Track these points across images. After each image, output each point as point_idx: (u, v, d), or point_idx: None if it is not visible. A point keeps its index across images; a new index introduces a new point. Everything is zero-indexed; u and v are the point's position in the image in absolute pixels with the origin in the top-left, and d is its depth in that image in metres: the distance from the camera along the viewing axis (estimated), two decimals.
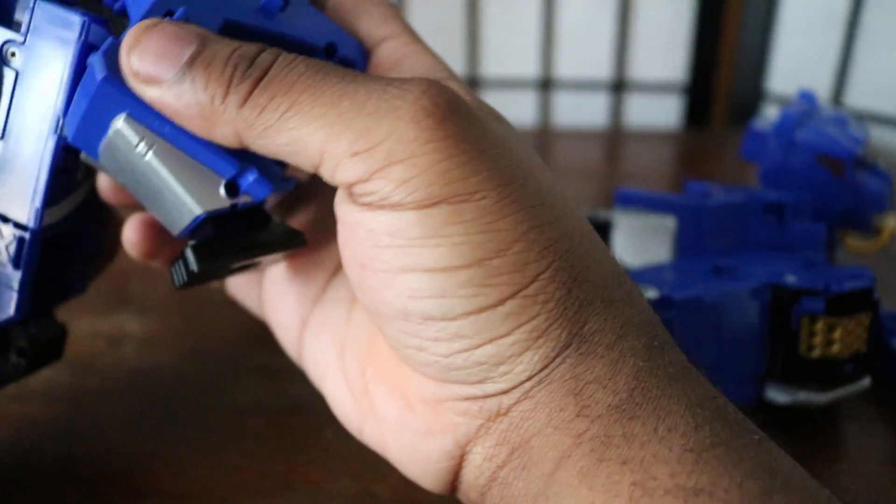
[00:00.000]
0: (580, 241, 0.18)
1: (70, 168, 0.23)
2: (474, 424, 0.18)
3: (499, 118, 0.20)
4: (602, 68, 0.82)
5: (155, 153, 0.19)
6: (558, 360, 0.17)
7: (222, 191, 0.20)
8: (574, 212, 0.19)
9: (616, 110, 0.84)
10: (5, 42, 0.20)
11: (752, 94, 0.80)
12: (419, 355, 0.18)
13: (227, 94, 0.17)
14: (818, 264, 0.30)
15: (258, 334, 0.37)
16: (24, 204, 0.21)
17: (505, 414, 0.18)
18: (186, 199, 0.19)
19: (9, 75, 0.21)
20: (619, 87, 0.83)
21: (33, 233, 0.21)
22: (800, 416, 0.30)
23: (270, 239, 0.21)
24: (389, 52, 0.21)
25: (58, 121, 0.20)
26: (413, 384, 0.20)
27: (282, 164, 0.22)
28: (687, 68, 0.81)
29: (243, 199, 0.20)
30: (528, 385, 0.18)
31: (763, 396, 0.29)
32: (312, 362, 0.24)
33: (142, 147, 0.19)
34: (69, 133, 0.20)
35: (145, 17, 0.18)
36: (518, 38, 0.82)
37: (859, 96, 0.71)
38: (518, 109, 0.83)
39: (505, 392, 0.18)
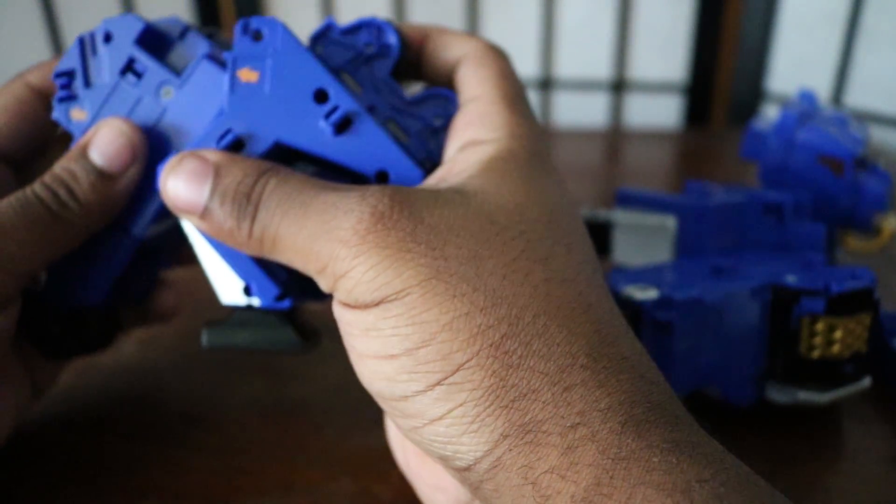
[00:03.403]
0: (533, 321, 0.18)
1: None
2: (465, 489, 0.20)
3: (487, 191, 0.20)
4: (602, 68, 0.82)
5: (197, 244, 0.24)
6: (502, 447, 0.17)
7: (241, 290, 0.24)
8: (540, 287, 0.19)
9: (616, 110, 0.84)
10: (163, 81, 0.25)
11: (752, 94, 0.80)
12: (397, 423, 0.20)
13: (238, 229, 0.21)
14: (818, 264, 0.30)
15: None
16: (137, 215, 0.26)
17: (478, 487, 0.18)
18: (215, 287, 0.24)
19: (154, 106, 0.25)
20: (619, 86, 0.83)
21: (132, 239, 0.26)
22: (800, 416, 0.30)
23: (270, 338, 0.24)
24: (468, 111, 0.23)
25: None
26: None
27: (307, 288, 0.24)
28: (687, 68, 0.81)
29: (255, 301, 0.24)
30: (482, 467, 0.18)
31: (763, 396, 0.29)
32: None
33: (191, 235, 0.24)
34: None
35: (208, 133, 0.22)
36: (518, 38, 0.82)
37: (859, 96, 0.71)
38: None
39: (466, 469, 0.18)
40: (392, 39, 0.24)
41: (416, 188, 0.20)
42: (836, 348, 0.27)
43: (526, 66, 0.83)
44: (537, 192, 0.21)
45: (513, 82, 0.24)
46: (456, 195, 0.20)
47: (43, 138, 0.27)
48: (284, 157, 0.23)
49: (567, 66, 0.83)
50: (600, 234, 0.36)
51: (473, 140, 0.22)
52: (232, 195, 0.21)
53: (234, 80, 0.22)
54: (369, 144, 0.22)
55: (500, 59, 0.25)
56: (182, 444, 0.29)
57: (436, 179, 0.22)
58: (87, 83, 0.25)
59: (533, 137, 0.22)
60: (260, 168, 0.21)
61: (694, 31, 0.79)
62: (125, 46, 0.25)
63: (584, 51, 0.82)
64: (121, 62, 0.25)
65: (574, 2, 0.80)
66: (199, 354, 0.35)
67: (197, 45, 0.25)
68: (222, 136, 0.22)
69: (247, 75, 0.22)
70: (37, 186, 0.24)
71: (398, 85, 0.24)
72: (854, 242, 0.39)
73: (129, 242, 0.26)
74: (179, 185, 0.21)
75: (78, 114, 0.25)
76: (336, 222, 0.19)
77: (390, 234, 0.18)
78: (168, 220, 0.26)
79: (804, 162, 0.39)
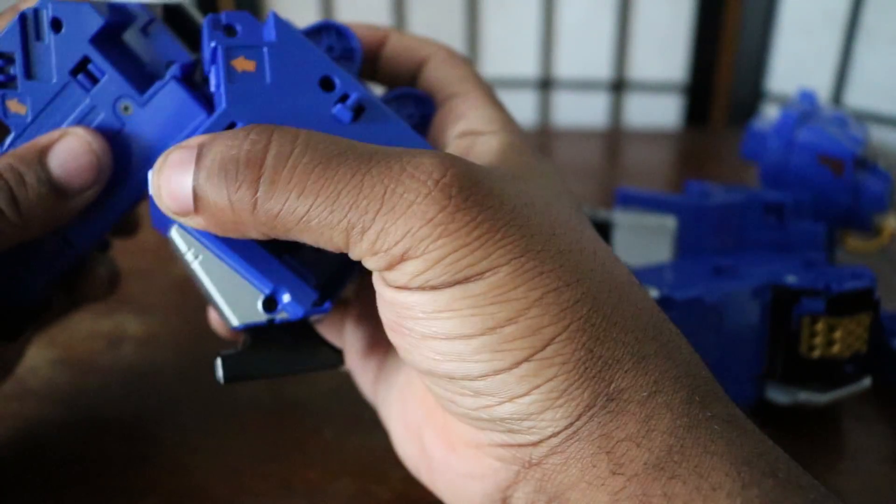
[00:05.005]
0: (609, 296, 0.18)
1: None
2: (512, 470, 0.19)
3: (525, 176, 0.20)
4: (602, 68, 0.82)
5: (201, 263, 0.21)
6: (584, 418, 0.17)
7: (260, 305, 0.21)
8: (606, 264, 0.19)
9: (616, 110, 0.84)
10: (122, 96, 0.22)
11: (752, 94, 0.80)
12: (451, 406, 0.19)
13: (237, 202, 0.18)
14: (818, 264, 0.30)
15: None
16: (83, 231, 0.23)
17: (538, 464, 0.18)
18: (226, 310, 0.21)
19: (112, 120, 0.22)
20: (618, 86, 0.83)
21: (77, 252, 0.24)
22: (800, 416, 0.30)
23: (304, 358, 0.22)
24: (456, 105, 0.24)
25: (145, 182, 0.22)
26: (454, 428, 0.21)
27: (332, 286, 0.22)
28: (687, 68, 0.81)
29: (281, 315, 0.21)
30: (554, 441, 0.18)
31: (763, 396, 0.29)
32: (384, 405, 0.26)
33: (190, 256, 0.21)
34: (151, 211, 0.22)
35: (207, 129, 0.20)
36: (518, 38, 0.82)
37: (859, 96, 0.71)
38: (518, 109, 0.82)
39: (534, 444, 0.18)
40: (355, 44, 0.24)
41: (472, 162, 0.19)
42: (836, 348, 0.27)
43: (526, 66, 0.83)
44: (555, 183, 0.21)
45: (486, 85, 0.25)
46: (506, 175, 0.20)
47: None
48: None
49: (567, 66, 0.83)
50: (600, 235, 0.36)
51: (471, 130, 0.22)
52: (220, 163, 0.18)
53: (230, 70, 0.20)
54: (386, 130, 0.21)
55: (467, 61, 0.25)
56: (182, 444, 0.29)
57: None
58: (29, 74, 0.22)
59: (523, 132, 0.23)
60: (258, 128, 0.18)
61: (694, 31, 0.79)
62: (78, 43, 0.21)
63: (584, 51, 0.82)
64: (72, 60, 0.22)
65: (574, 2, 0.80)
66: (199, 354, 0.35)
67: (162, 48, 0.23)
68: (229, 127, 0.20)
69: (243, 64, 0.20)
70: None
71: (366, 85, 0.24)
72: (854, 242, 0.39)
73: (70, 254, 0.24)
74: (169, 178, 0.18)
75: (16, 106, 0.22)
76: (414, 195, 0.17)
77: (481, 213, 0.17)
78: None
79: (804, 162, 0.39)
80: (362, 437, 0.29)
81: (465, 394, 0.18)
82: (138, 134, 0.22)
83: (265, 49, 0.20)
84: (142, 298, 0.40)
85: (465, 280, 0.17)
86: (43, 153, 0.22)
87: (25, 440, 0.29)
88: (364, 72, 0.26)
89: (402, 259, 0.17)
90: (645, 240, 0.35)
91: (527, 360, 0.17)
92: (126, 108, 0.22)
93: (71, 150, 0.21)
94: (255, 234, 0.19)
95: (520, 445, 0.18)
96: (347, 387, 0.31)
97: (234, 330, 0.22)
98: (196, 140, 0.19)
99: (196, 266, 0.21)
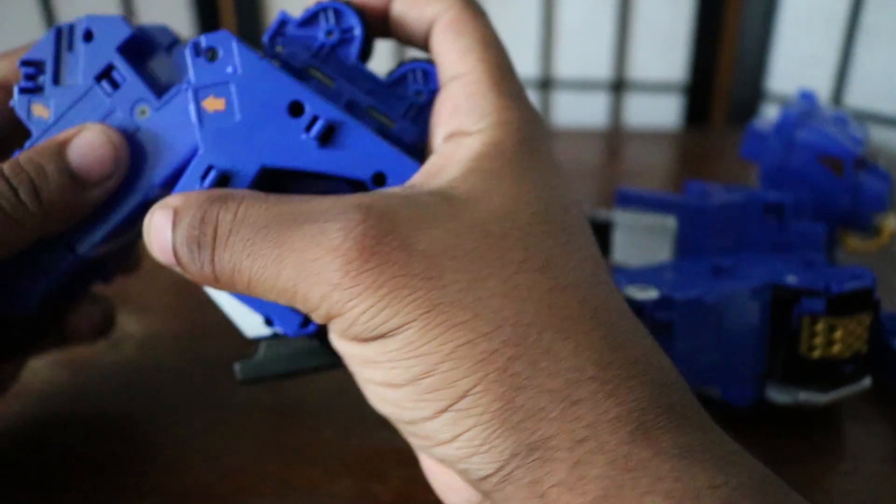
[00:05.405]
0: (538, 338, 0.18)
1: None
2: (476, 492, 0.20)
3: (482, 195, 0.19)
4: (602, 68, 0.82)
5: (210, 289, 0.23)
6: (511, 465, 0.17)
7: (264, 323, 0.24)
8: (545, 299, 0.18)
9: (616, 110, 0.84)
10: (140, 99, 0.23)
11: (752, 94, 0.80)
12: (409, 441, 0.20)
13: (202, 274, 0.20)
14: (818, 264, 0.30)
15: None
16: (87, 234, 0.24)
17: (489, 494, 0.19)
18: (238, 325, 0.24)
19: (126, 122, 0.23)
20: (619, 86, 0.83)
21: (77, 257, 0.24)
22: (800, 416, 0.30)
23: (308, 360, 0.24)
24: (452, 92, 0.22)
25: (152, 187, 0.23)
26: None
27: None
28: (687, 68, 0.81)
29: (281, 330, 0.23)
30: (492, 480, 0.18)
31: (763, 396, 0.29)
32: None
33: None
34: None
35: (190, 175, 0.21)
36: (518, 38, 0.82)
37: (859, 96, 0.71)
38: None
39: (478, 479, 0.18)
40: (353, 21, 0.23)
41: (401, 204, 0.19)
42: (836, 348, 0.27)
43: (526, 66, 0.83)
44: (528, 189, 0.20)
45: (497, 53, 0.22)
46: (443, 205, 0.19)
47: (6, 132, 0.25)
48: (282, 178, 0.22)
49: (567, 66, 0.83)
50: (600, 234, 0.36)
51: (459, 130, 0.21)
52: (185, 238, 0.19)
53: (200, 112, 0.21)
54: (359, 148, 0.21)
55: (479, 21, 0.23)
56: (182, 444, 0.29)
57: (424, 176, 0.21)
58: (57, 80, 0.23)
59: (522, 123, 0.21)
60: (208, 201, 0.19)
61: (694, 31, 0.79)
62: (106, 51, 0.23)
63: (584, 51, 0.82)
64: (98, 66, 0.23)
65: (574, 2, 0.80)
66: (198, 354, 0.35)
67: (183, 65, 0.24)
68: (204, 175, 0.21)
69: (213, 104, 0.21)
70: None
71: (368, 69, 0.23)
72: (854, 242, 0.39)
73: (71, 260, 0.24)
74: (158, 237, 0.20)
75: (41, 110, 0.23)
76: (321, 263, 0.18)
77: (384, 272, 0.18)
78: (118, 240, 0.25)
79: (804, 162, 0.39)
80: (363, 437, 0.29)
81: (407, 434, 0.20)
82: (152, 136, 0.23)
83: (232, 85, 0.21)
84: (142, 298, 0.40)
85: (382, 336, 0.18)
86: (62, 146, 0.22)
87: (25, 440, 0.29)
88: (376, 33, 0.25)
89: (329, 317, 0.19)
90: (645, 240, 0.35)
91: (446, 410, 0.18)
92: (143, 112, 0.23)
93: (90, 142, 0.22)
94: (229, 291, 0.20)
95: (468, 479, 0.19)
96: (347, 387, 0.31)
97: (248, 339, 0.24)
98: (173, 201, 0.20)
99: (206, 289, 0.23)
